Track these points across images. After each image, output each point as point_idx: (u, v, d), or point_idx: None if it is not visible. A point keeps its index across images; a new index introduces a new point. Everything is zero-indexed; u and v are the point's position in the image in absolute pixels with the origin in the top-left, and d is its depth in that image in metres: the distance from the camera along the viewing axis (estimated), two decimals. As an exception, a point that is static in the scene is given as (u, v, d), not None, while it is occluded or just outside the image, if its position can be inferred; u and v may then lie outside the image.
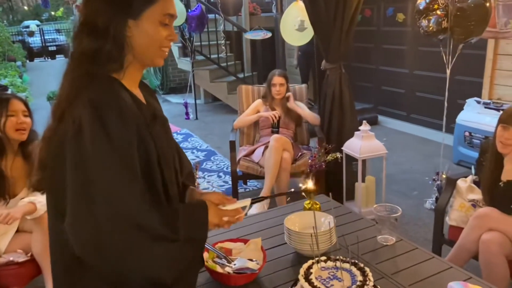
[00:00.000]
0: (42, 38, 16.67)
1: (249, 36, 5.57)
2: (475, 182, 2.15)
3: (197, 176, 1.80)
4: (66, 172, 0.85)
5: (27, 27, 17.58)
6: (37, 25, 17.85)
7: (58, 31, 17.53)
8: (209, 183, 3.85)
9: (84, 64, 0.91)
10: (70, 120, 0.85)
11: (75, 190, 0.84)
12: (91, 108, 0.85)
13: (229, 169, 3.24)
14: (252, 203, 1.22)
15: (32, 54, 16.05)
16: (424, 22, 2.90)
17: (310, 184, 1.51)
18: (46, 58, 16.46)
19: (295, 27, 3.91)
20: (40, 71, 12.35)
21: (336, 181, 3.10)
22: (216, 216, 1.06)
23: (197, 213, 1.02)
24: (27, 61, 14.36)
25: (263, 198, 1.28)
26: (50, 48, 16.64)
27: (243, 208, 1.18)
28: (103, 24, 0.91)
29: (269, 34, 5.40)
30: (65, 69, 0.95)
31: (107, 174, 0.85)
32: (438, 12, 2.80)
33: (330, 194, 1.45)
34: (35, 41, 16.69)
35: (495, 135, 1.93)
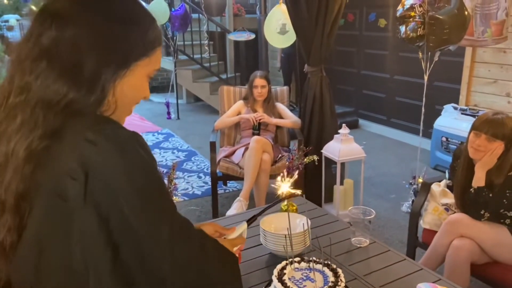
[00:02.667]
0: (22, 32, 16.30)
1: (232, 37, 5.58)
2: (448, 187, 2.20)
3: (174, 176, 1.79)
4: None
5: (6, 21, 17.18)
6: (17, 20, 17.46)
7: (36, 6, 17.16)
8: (189, 183, 3.84)
9: (43, 112, 0.71)
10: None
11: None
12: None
13: (209, 170, 3.23)
14: (248, 225, 1.22)
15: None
16: (402, 28, 2.96)
17: (286, 188, 1.51)
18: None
19: (277, 30, 3.93)
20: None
21: (315, 183, 3.13)
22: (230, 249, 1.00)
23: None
24: (6, 56, 14.03)
25: (255, 218, 1.28)
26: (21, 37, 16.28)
27: (242, 232, 1.18)
28: (91, 72, 0.73)
29: (252, 36, 5.42)
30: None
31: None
32: (415, 19, 2.85)
33: (304, 195, 1.45)
34: (14, 35, 16.33)
35: (467, 141, 1.98)
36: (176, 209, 0.80)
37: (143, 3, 0.82)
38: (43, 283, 0.72)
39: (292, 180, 1.39)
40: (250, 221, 1.25)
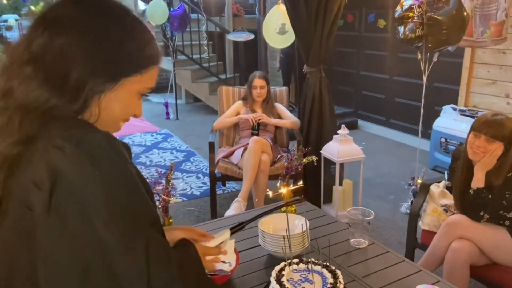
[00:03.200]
0: (21, 33, 16.29)
1: (231, 37, 5.57)
2: (447, 188, 2.19)
3: (172, 176, 1.78)
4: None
5: (5, 21, 17.15)
6: (16, 20, 17.43)
7: (33, 14, 17.12)
8: (188, 184, 3.83)
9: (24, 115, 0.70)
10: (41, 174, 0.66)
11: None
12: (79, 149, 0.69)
13: (208, 170, 3.22)
14: (232, 233, 1.19)
15: (10, 49, 15.66)
16: (401, 29, 2.95)
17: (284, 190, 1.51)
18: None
19: (276, 31, 3.92)
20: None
21: (314, 184, 3.12)
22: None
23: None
24: (4, 56, 13.98)
25: (242, 226, 1.25)
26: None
27: (223, 242, 1.14)
28: (76, 82, 0.70)
29: (251, 36, 5.41)
30: None
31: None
32: (414, 20, 2.85)
33: (302, 196, 1.45)
34: (13, 35, 16.29)
35: (466, 142, 1.97)
36: (157, 221, 0.76)
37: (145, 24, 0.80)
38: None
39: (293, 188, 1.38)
40: (234, 229, 1.23)
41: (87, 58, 0.71)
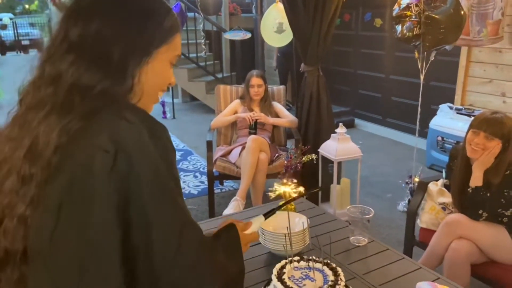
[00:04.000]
0: (15, 31, 16.19)
1: (228, 36, 5.56)
2: (445, 186, 2.20)
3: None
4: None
5: (0, 19, 17.04)
6: (10, 18, 17.32)
7: (32, 24, 17.06)
8: (185, 183, 3.82)
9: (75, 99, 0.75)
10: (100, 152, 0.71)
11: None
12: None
13: (206, 169, 3.22)
14: (266, 218, 1.22)
15: (4, 48, 15.57)
16: (398, 28, 2.96)
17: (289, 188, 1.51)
18: (19, 52, 16.01)
19: (274, 29, 3.92)
20: (12, 65, 12.00)
21: (312, 182, 3.12)
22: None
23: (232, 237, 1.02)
24: (-1, 55, 13.94)
25: (274, 211, 1.26)
26: (23, 42, 16.17)
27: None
28: (119, 61, 0.77)
29: (248, 35, 5.40)
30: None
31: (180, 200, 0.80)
32: (411, 18, 2.86)
33: (305, 197, 1.45)
34: (7, 34, 16.19)
35: (465, 140, 1.98)
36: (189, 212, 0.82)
37: None
38: (57, 253, 0.72)
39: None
40: (267, 215, 1.24)
41: (122, 37, 0.78)
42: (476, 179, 1.91)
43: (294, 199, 1.41)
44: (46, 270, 0.72)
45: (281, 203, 1.37)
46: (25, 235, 0.74)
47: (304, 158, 1.99)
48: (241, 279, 0.97)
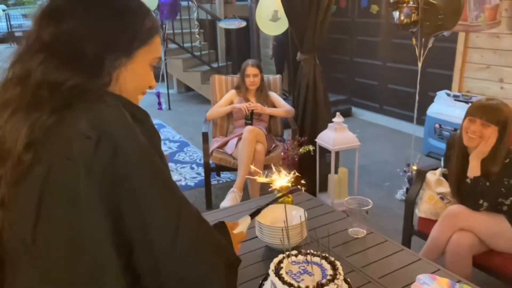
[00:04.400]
0: (8, 23, 15.99)
1: (223, 25, 5.49)
2: (444, 175, 2.18)
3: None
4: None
5: (-8, 11, 16.80)
6: (3, 10, 17.10)
7: (25, 16, 16.85)
8: (182, 175, 3.80)
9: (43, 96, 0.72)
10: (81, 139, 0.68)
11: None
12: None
13: (202, 161, 3.19)
14: (252, 218, 1.23)
15: (-3, 39, 15.40)
16: (395, 14, 2.91)
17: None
18: (12, 44, 15.84)
19: (269, 18, 3.86)
20: (5, 57, 11.87)
21: (309, 172, 3.10)
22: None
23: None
24: (-8, 46, 13.77)
25: (258, 211, 1.27)
26: (16, 34, 15.99)
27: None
28: (94, 58, 0.75)
29: (243, 23, 5.34)
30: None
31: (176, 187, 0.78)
32: (409, 4, 2.81)
33: (301, 187, 1.42)
34: (0, 26, 16.00)
35: (461, 129, 1.95)
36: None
37: None
38: (42, 248, 0.70)
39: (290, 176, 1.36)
40: (253, 214, 1.25)
41: (97, 35, 0.76)
42: (474, 169, 1.88)
43: (279, 197, 1.39)
44: (32, 266, 0.70)
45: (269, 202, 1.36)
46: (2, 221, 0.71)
47: (301, 150, 1.95)
48: (236, 266, 0.94)
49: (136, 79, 0.83)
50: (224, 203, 2.86)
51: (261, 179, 1.47)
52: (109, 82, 0.77)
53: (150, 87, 0.89)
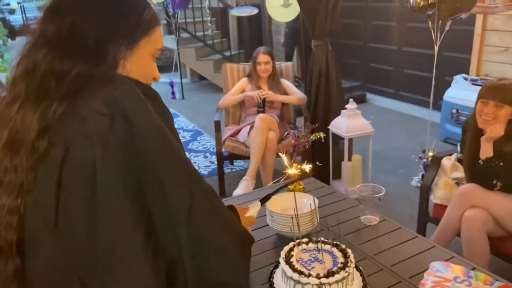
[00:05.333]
0: (24, 16, 16.19)
1: (235, 12, 5.44)
2: (459, 160, 2.14)
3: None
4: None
5: (8, 4, 16.99)
6: (18, 3, 17.28)
7: (40, 8, 17.00)
8: (195, 163, 3.81)
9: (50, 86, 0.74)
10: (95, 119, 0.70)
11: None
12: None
13: (215, 150, 3.19)
14: (262, 204, 1.24)
15: (13, 32, 15.62)
16: (411, -3, 2.84)
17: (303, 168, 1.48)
18: (28, 36, 16.04)
19: (280, 3, 3.81)
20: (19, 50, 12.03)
21: (323, 160, 3.07)
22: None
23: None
24: (9, 39, 13.98)
25: (269, 197, 1.28)
26: (32, 26, 16.19)
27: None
28: (96, 44, 0.76)
29: (255, 11, 5.27)
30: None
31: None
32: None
33: (307, 167, 1.42)
34: (16, 19, 16.20)
35: (475, 112, 1.91)
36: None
37: None
38: (66, 227, 0.71)
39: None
40: (264, 200, 1.26)
41: (98, 27, 0.78)
42: (486, 151, 1.84)
43: (289, 183, 1.39)
44: (55, 245, 0.71)
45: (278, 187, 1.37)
46: (19, 225, 0.73)
47: (312, 137, 1.93)
48: (249, 244, 0.93)
49: (140, 71, 0.84)
50: (237, 191, 2.86)
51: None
52: (115, 70, 0.79)
53: (154, 79, 0.90)
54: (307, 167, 1.56)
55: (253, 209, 1.19)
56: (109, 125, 0.69)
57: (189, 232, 0.74)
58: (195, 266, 0.75)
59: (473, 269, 1.25)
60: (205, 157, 3.98)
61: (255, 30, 5.97)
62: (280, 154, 1.52)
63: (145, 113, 0.73)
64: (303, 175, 1.54)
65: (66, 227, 0.71)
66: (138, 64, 0.83)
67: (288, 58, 5.93)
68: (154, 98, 0.77)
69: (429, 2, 2.75)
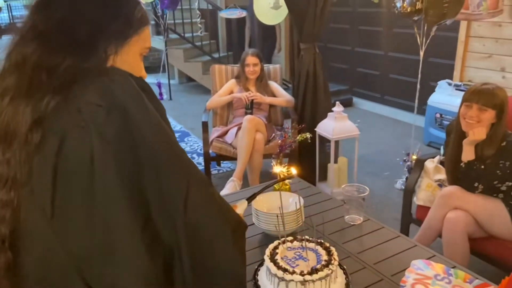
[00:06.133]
0: (10, 14, 15.97)
1: (224, 14, 5.46)
2: (441, 163, 2.18)
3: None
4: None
5: (-6, 2, 16.74)
6: (5, 1, 17.05)
7: (26, 7, 16.78)
8: (182, 164, 3.80)
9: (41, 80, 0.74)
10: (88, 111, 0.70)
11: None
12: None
13: (203, 151, 3.20)
14: (248, 203, 1.26)
15: (0, 31, 15.39)
16: (398, 3, 2.89)
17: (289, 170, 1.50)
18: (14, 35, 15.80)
19: (270, 5, 3.84)
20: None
21: (309, 162, 3.11)
22: None
23: None
24: (-5, 38, 13.76)
25: (255, 196, 1.30)
26: (18, 25, 15.96)
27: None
28: (88, 39, 0.77)
29: (244, 13, 5.30)
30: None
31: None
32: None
33: (293, 169, 1.43)
34: (2, 17, 15.97)
35: (458, 115, 1.95)
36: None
37: None
38: (63, 217, 0.71)
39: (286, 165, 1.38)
40: (250, 199, 1.28)
41: (89, 22, 0.78)
42: (468, 153, 1.89)
43: (274, 182, 1.42)
44: (54, 238, 0.71)
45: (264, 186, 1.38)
46: (11, 219, 0.73)
47: (298, 137, 1.96)
48: (242, 230, 0.94)
49: (128, 68, 0.83)
50: (224, 192, 2.87)
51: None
52: (106, 64, 0.79)
53: (143, 77, 0.89)
54: (293, 169, 1.58)
55: (240, 207, 1.21)
56: (106, 116, 0.69)
57: (185, 219, 0.74)
58: (192, 253, 0.75)
59: (454, 267, 1.28)
60: (193, 158, 3.98)
61: (244, 33, 5.99)
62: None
63: (142, 105, 0.73)
64: (289, 176, 1.55)
65: (63, 218, 0.71)
66: (126, 61, 0.83)
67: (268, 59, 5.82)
68: (148, 90, 0.78)
69: (416, 8, 2.80)
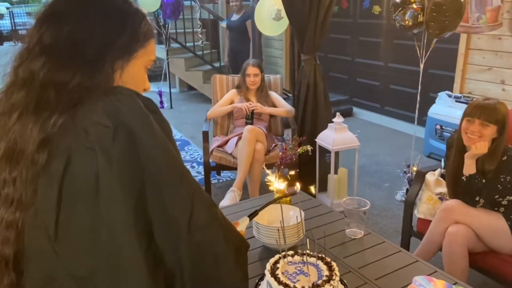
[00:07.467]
0: (12, 21, 16.04)
1: (225, 24, 5.49)
2: (442, 176, 2.18)
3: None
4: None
5: (-4, 9, 16.83)
6: (7, 8, 17.12)
7: (29, 14, 16.87)
8: (182, 173, 3.79)
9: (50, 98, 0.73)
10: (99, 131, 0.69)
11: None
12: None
13: (203, 160, 3.20)
14: (250, 220, 1.25)
15: (1, 37, 15.43)
16: (399, 16, 2.90)
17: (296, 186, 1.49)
18: (16, 42, 15.87)
19: (272, 16, 3.86)
20: (10, 55, 11.89)
21: (309, 172, 3.10)
22: None
23: None
24: (-3, 44, 13.81)
25: (257, 212, 1.29)
26: (20, 32, 16.02)
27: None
28: (94, 56, 0.76)
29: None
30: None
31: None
32: (414, 6, 2.80)
33: (298, 184, 1.43)
34: (4, 24, 16.02)
35: (460, 129, 1.96)
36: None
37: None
38: (67, 239, 0.70)
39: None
40: (252, 216, 1.27)
41: (96, 38, 0.77)
42: (469, 167, 1.89)
43: (276, 199, 1.41)
44: (58, 259, 0.70)
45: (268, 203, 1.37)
46: (16, 239, 0.72)
47: (299, 150, 1.96)
48: (244, 251, 0.94)
49: (133, 81, 0.84)
50: (224, 202, 2.86)
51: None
52: (112, 80, 0.79)
53: (145, 90, 0.90)
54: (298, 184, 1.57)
55: (242, 224, 1.21)
56: (112, 137, 0.68)
57: (189, 239, 0.74)
58: (194, 274, 0.75)
59: (455, 283, 1.27)
60: (192, 167, 3.97)
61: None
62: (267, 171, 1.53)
63: (148, 126, 0.73)
64: (292, 193, 1.55)
65: (67, 239, 0.70)
66: (132, 75, 0.83)
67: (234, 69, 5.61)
68: (155, 110, 0.78)
69: (418, 21, 2.81)
